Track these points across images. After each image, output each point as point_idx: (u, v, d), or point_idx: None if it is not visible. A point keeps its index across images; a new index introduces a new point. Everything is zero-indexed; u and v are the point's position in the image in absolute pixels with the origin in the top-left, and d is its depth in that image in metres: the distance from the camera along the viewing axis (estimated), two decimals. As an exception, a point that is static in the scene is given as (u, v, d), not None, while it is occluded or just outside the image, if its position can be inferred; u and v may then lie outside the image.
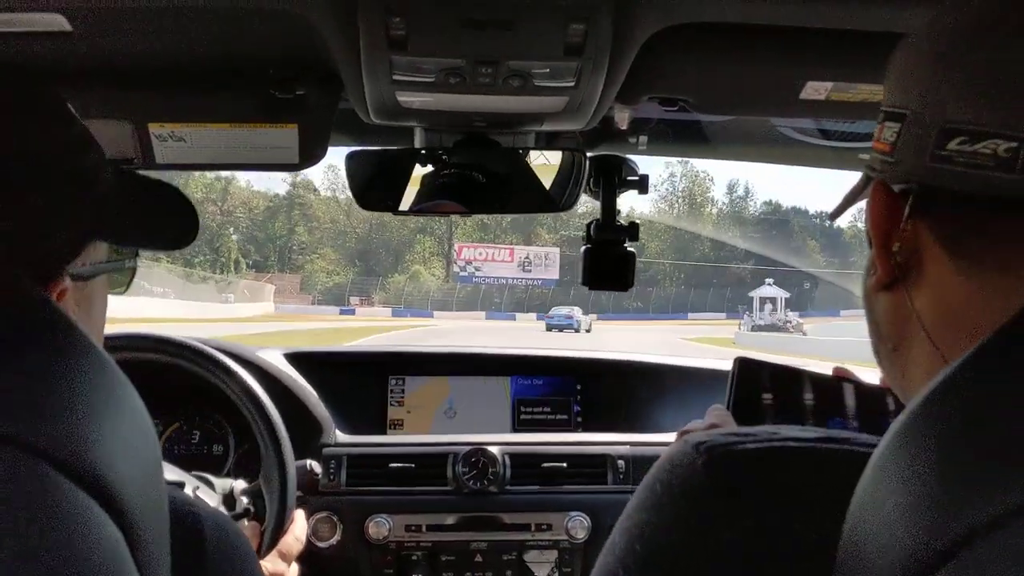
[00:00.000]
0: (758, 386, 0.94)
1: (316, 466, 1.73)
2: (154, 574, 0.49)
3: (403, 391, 2.15)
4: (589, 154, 1.42)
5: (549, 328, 35.50)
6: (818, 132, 1.40)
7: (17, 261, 0.54)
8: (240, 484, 1.65)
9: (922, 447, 0.43)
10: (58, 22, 0.95)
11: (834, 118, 1.26)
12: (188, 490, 1.40)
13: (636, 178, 1.48)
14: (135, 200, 0.74)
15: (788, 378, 0.94)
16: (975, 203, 0.50)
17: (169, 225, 0.79)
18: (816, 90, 1.10)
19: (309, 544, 1.70)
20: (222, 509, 1.48)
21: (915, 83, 0.54)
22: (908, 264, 0.57)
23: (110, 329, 0.89)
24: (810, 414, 0.92)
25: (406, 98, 1.09)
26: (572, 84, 1.03)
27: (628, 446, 1.90)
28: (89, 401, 0.46)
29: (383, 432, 2.09)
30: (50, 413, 0.43)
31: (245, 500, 1.59)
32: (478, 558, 1.76)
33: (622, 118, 1.41)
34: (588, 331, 35.50)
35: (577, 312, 38.97)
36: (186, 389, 1.70)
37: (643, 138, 1.52)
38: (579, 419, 2.18)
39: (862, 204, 0.65)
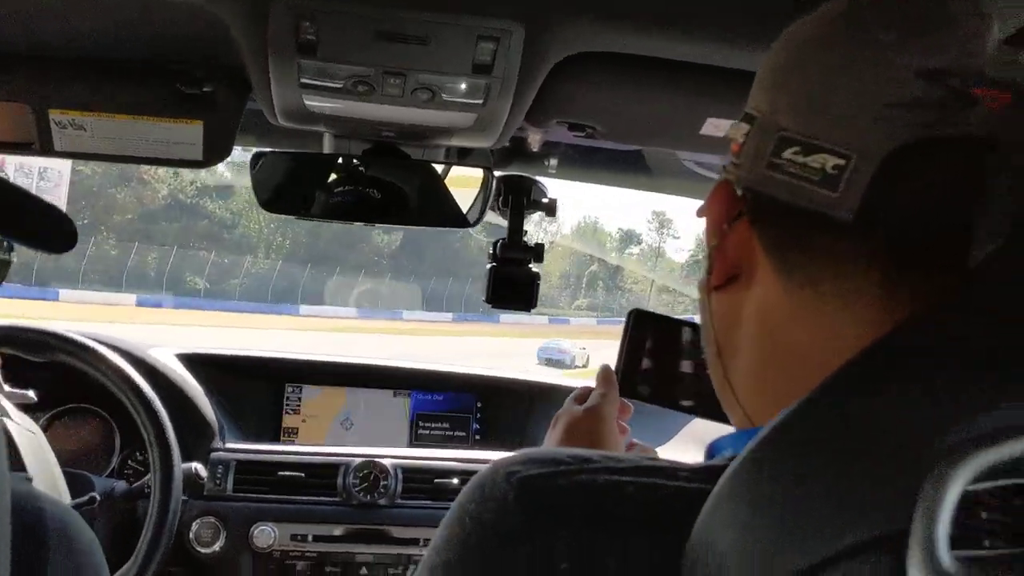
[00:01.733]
0: (642, 350, 0.92)
1: (202, 470, 1.69)
2: None
3: (300, 399, 2.12)
4: (499, 173, 1.44)
5: (539, 361, 30.48)
6: (722, 168, 1.44)
7: None
8: (121, 485, 1.60)
9: (756, 489, 0.42)
10: None
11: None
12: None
13: (545, 200, 1.50)
14: (14, 194, 0.73)
15: (670, 340, 0.92)
16: (798, 216, 0.50)
17: (44, 222, 0.78)
18: (716, 127, 1.14)
19: (191, 549, 1.66)
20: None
21: (763, 88, 0.55)
22: (740, 268, 0.57)
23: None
24: (686, 388, 0.90)
25: (313, 103, 1.09)
26: (480, 102, 1.04)
27: None
28: None
29: (276, 440, 2.05)
30: None
31: (125, 501, 1.55)
32: (363, 571, 1.74)
33: (535, 140, 1.44)
34: (584, 366, 30.16)
35: (566, 344, 33.70)
36: (75, 381, 1.64)
37: (553, 161, 1.55)
38: (477, 436, 2.19)
39: None
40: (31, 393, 1.51)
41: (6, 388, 1.52)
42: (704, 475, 0.47)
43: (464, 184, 1.41)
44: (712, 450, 0.57)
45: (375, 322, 37.84)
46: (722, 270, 0.57)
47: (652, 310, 0.94)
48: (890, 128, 0.47)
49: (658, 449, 1.90)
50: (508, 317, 42.99)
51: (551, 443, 0.92)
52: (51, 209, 0.80)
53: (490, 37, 0.91)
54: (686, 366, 0.91)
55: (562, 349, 31.93)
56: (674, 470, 0.49)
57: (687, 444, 1.92)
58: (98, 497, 1.48)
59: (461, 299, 47.67)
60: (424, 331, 35.09)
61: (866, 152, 0.47)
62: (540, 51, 0.95)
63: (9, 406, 1.43)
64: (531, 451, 0.52)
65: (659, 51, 0.98)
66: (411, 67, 0.97)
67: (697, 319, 0.80)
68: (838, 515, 0.38)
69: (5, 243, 0.77)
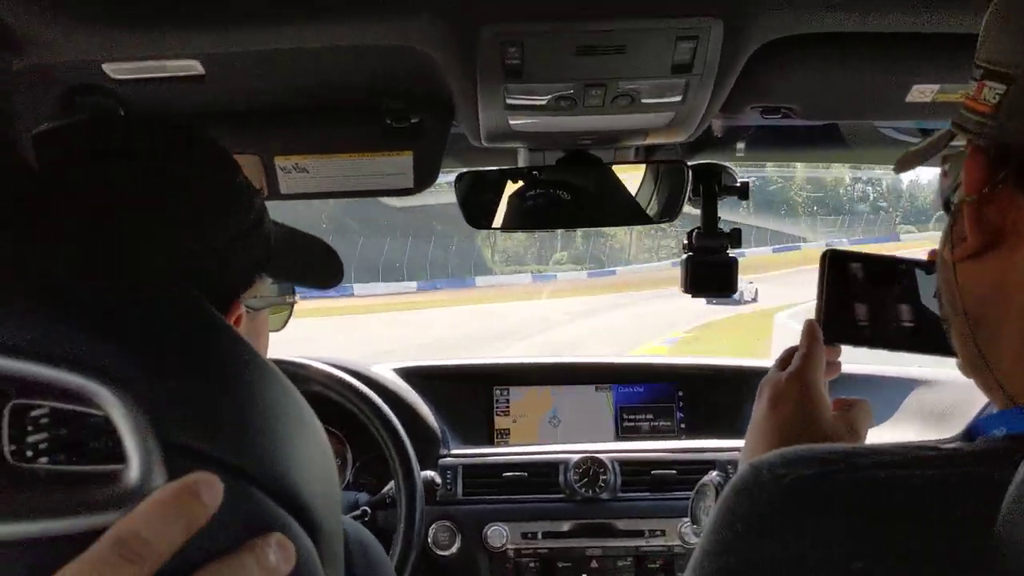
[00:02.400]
0: (849, 295, 0.86)
1: (436, 477, 1.79)
2: None
3: (508, 401, 2.20)
4: (689, 163, 1.45)
5: (709, 302, 30.05)
6: (918, 131, 1.39)
7: (203, 290, 0.62)
8: (363, 496, 1.72)
9: None
10: (193, 67, 1.03)
11: (941, 120, 1.26)
12: None
13: (736, 185, 1.49)
14: (291, 242, 0.82)
15: (874, 277, 0.86)
16: None
17: (319, 266, 0.88)
18: (922, 93, 1.10)
19: (431, 552, 1.77)
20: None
21: (1017, 42, 0.50)
22: (1002, 235, 0.53)
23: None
24: (902, 324, 0.85)
25: (517, 122, 1.14)
26: (679, 100, 1.06)
27: (736, 451, 1.91)
28: (283, 423, 0.49)
29: (490, 442, 2.14)
30: (253, 436, 0.46)
31: (368, 512, 1.67)
32: (594, 564, 1.79)
33: (719, 126, 1.44)
34: (754, 300, 29.60)
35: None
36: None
37: (740, 145, 1.54)
38: (682, 425, 2.19)
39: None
40: None
41: None
42: (984, 459, 0.45)
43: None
44: (976, 430, 0.54)
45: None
46: (979, 238, 0.54)
47: (845, 249, 0.89)
48: None
49: (879, 428, 1.85)
50: (484, 280, 40.00)
51: (758, 419, 0.86)
52: (321, 250, 0.89)
53: (689, 36, 0.92)
54: (897, 302, 0.86)
55: None
56: (951, 456, 0.48)
57: (910, 421, 1.85)
58: (368, 510, 1.61)
59: (425, 265, 43.79)
60: (384, 306, 30.35)
61: None
62: (739, 42, 0.95)
63: None
64: (788, 450, 0.52)
65: (858, 26, 0.96)
66: (611, 77, 0.99)
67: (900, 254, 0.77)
68: None
69: (289, 288, 0.87)
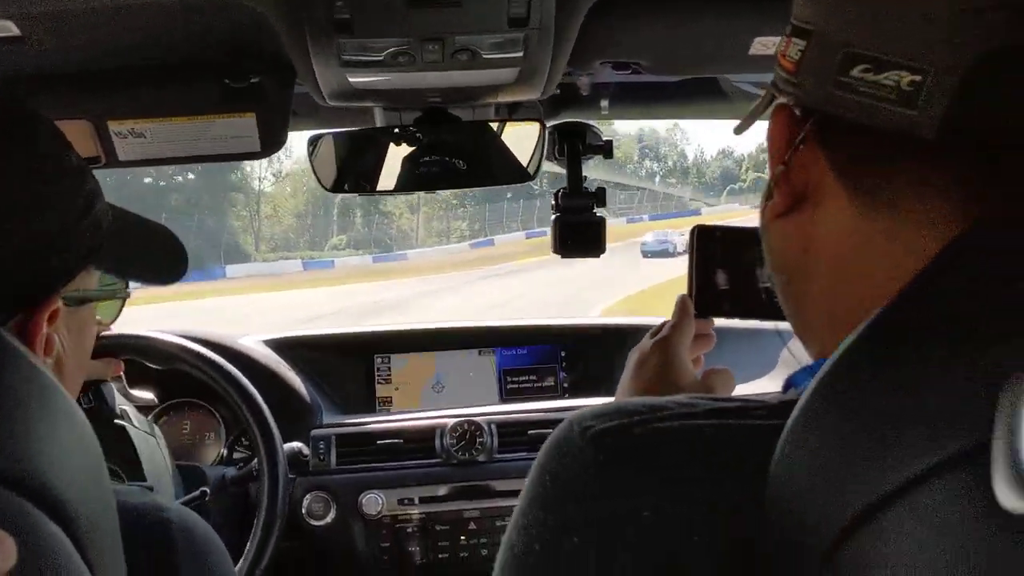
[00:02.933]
0: (717, 263, 0.88)
1: (304, 448, 1.76)
2: (107, 571, 0.50)
3: (389, 369, 2.17)
4: (551, 122, 1.44)
5: (644, 255, 29.61)
6: (773, 87, 1.40)
7: (10, 282, 0.56)
8: (231, 471, 1.68)
9: (824, 421, 0.41)
10: (8, 28, 0.95)
11: None
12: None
13: (600, 144, 1.49)
14: (128, 233, 0.76)
15: (742, 250, 0.87)
16: (873, 136, 0.47)
17: (159, 260, 0.82)
18: (764, 45, 1.12)
19: (305, 524, 1.74)
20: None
21: (816, 0, 0.51)
22: (805, 193, 0.54)
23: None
24: (767, 301, 0.85)
25: (358, 79, 1.10)
26: (520, 55, 1.04)
27: None
28: (26, 411, 0.46)
29: (373, 411, 2.11)
30: None
31: (237, 486, 1.63)
32: (472, 526, 1.79)
33: (583, 84, 1.43)
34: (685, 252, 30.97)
35: (672, 234, 31.21)
36: (176, 380, 1.72)
37: (605, 103, 1.53)
38: (565, 386, 2.21)
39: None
40: (151, 395, 1.59)
41: (133, 393, 1.61)
42: (780, 410, 0.46)
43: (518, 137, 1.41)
44: (789, 385, 0.56)
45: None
46: (786, 196, 0.55)
47: (713, 224, 0.90)
48: (973, 35, 0.43)
49: (756, 382, 1.89)
50: (239, 269, 36.07)
51: (623, 382, 0.89)
52: (164, 238, 0.82)
53: None
54: (760, 272, 0.87)
55: (662, 240, 30.64)
56: (749, 408, 0.48)
57: (779, 377, 1.90)
58: (208, 491, 1.56)
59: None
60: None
61: (945, 64, 0.44)
62: None
63: (132, 412, 1.52)
64: (602, 404, 0.52)
65: None
66: (447, 31, 0.97)
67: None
68: (912, 436, 0.37)
69: (122, 283, 0.81)
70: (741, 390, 0.89)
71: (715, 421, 0.47)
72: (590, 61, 1.18)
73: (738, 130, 0.74)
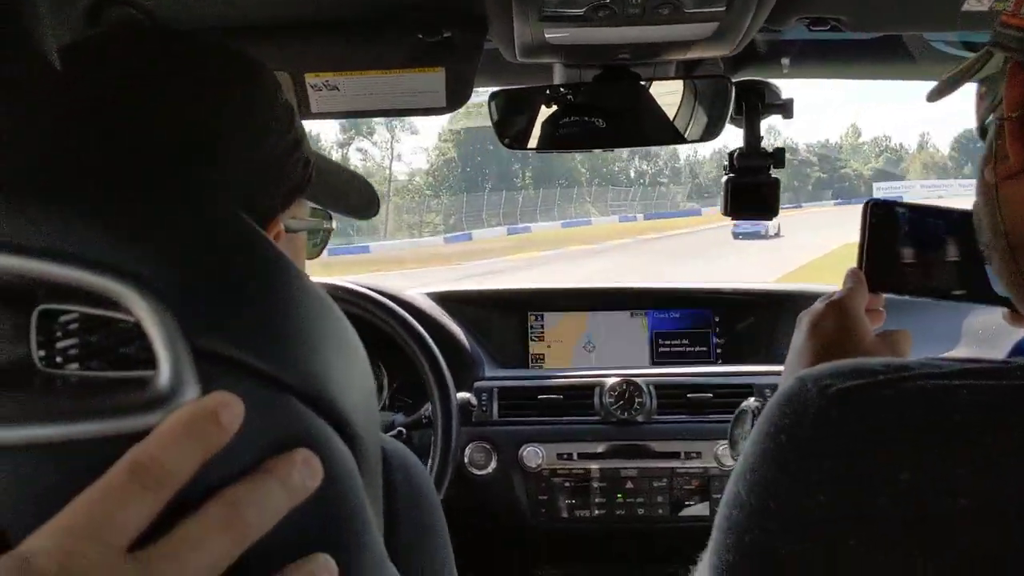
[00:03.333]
0: (894, 238, 0.86)
1: (472, 399, 1.81)
2: (374, 495, 0.52)
3: (543, 327, 2.20)
4: (733, 80, 1.40)
5: (736, 237, 31.08)
6: (961, 44, 1.33)
7: (246, 204, 0.60)
8: (400, 417, 1.74)
9: None
10: None
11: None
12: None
13: (780, 103, 1.45)
14: (330, 172, 0.81)
15: (930, 225, 0.85)
16: None
17: (357, 197, 0.87)
18: (979, 1, 1.05)
19: (467, 472, 1.79)
20: None
21: None
22: None
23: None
24: (953, 268, 0.84)
25: (554, 34, 1.10)
26: (723, 9, 1.02)
27: (772, 376, 1.90)
28: (322, 335, 0.48)
29: (525, 366, 2.15)
30: (290, 346, 0.45)
31: (404, 432, 1.69)
32: (629, 484, 1.80)
33: (762, 41, 1.38)
34: (777, 235, 31.26)
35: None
36: None
37: (785, 60, 1.48)
38: (718, 351, 2.18)
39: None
40: None
41: None
42: None
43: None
44: (1020, 350, 0.54)
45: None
46: (1022, 156, 0.53)
47: (887, 198, 0.88)
48: None
49: (941, 354, 1.81)
50: None
51: (796, 345, 0.86)
52: (360, 183, 0.89)
53: None
54: (941, 250, 0.85)
55: (755, 223, 30.74)
56: (1002, 369, 0.47)
57: (966, 347, 1.81)
58: (404, 430, 1.63)
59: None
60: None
61: None
62: None
63: None
64: (836, 363, 0.51)
65: None
66: None
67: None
68: None
69: (326, 214, 0.87)
70: None
71: (969, 381, 0.46)
72: (788, 17, 1.14)
73: (932, 97, 0.71)
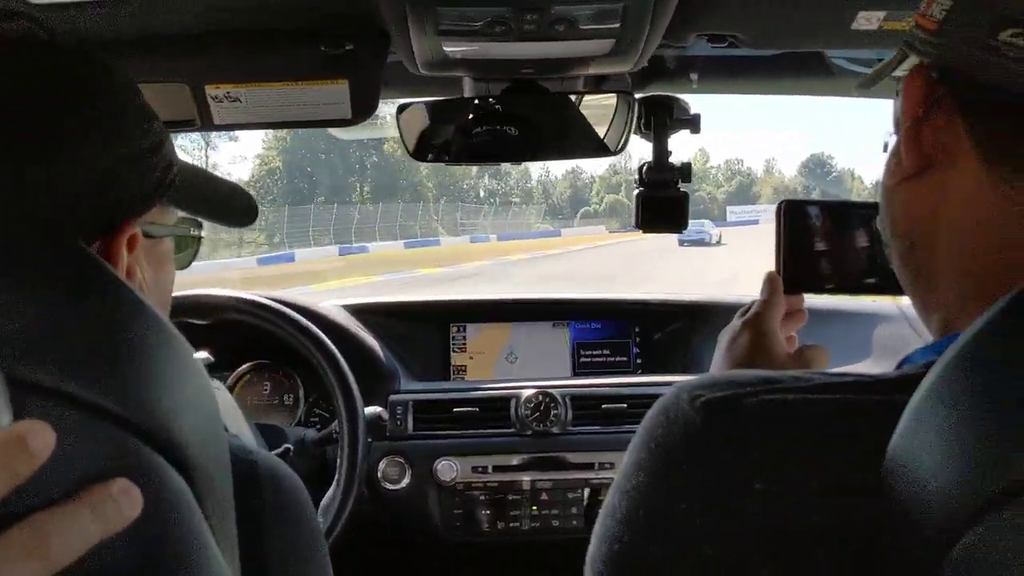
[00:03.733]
0: (808, 236, 0.87)
1: (383, 413, 1.79)
2: (221, 522, 0.51)
3: (464, 338, 2.20)
4: (638, 95, 1.42)
5: (681, 244, 31.03)
6: (874, 61, 1.36)
7: (86, 204, 0.59)
8: (311, 432, 1.72)
9: (960, 399, 0.40)
10: None
11: (886, 48, 1.23)
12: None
13: (687, 118, 1.47)
14: (199, 177, 0.80)
15: (831, 223, 0.86)
16: (1020, 104, 0.46)
17: (229, 203, 0.86)
18: (868, 20, 1.08)
19: (380, 488, 1.77)
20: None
21: None
22: (935, 156, 0.52)
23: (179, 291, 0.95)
24: (860, 268, 0.86)
25: (453, 48, 1.10)
26: (618, 26, 1.03)
27: None
28: (153, 359, 0.47)
29: (447, 379, 2.14)
30: (116, 373, 0.44)
31: (316, 448, 1.67)
32: (544, 496, 1.80)
33: (671, 56, 1.40)
34: (719, 243, 32.06)
35: (708, 225, 34.23)
36: (255, 341, 1.76)
37: (694, 76, 1.50)
38: (638, 361, 2.20)
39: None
40: (207, 354, 1.63)
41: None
42: (898, 386, 0.45)
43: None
44: (908, 360, 0.54)
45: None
46: (915, 159, 0.54)
47: (800, 198, 0.90)
48: None
49: (855, 367, 1.86)
50: None
51: (715, 363, 0.89)
52: (235, 190, 0.87)
53: None
54: (853, 246, 0.87)
55: (700, 230, 32.08)
56: (865, 384, 0.48)
57: (881, 361, 1.85)
58: (292, 448, 1.61)
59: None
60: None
61: None
62: None
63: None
64: (712, 375, 0.52)
65: None
66: (546, 1, 0.96)
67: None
68: None
69: (195, 222, 0.85)
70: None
71: (831, 396, 0.47)
72: (686, 34, 1.16)
73: (864, 85, 0.72)
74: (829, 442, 0.45)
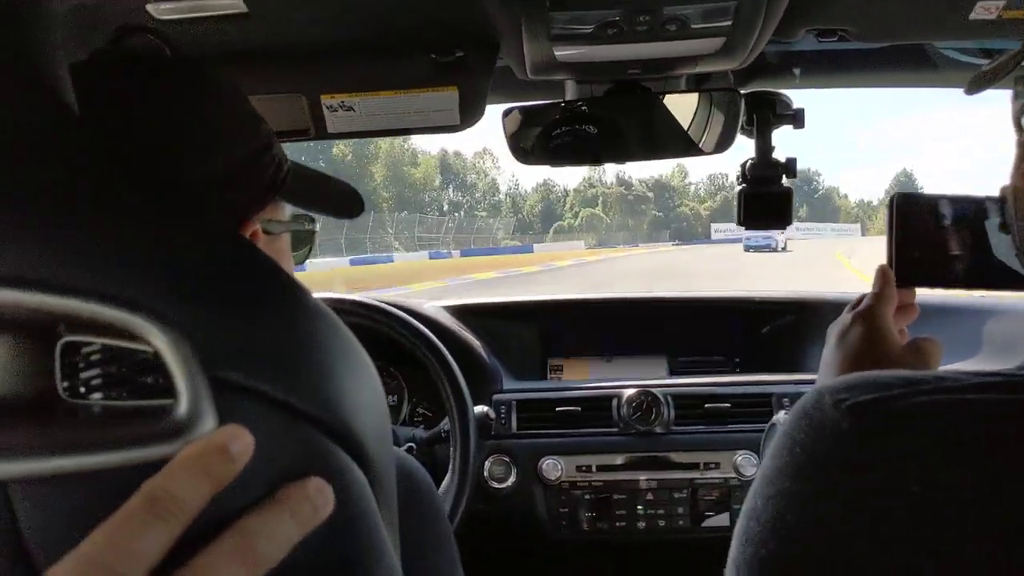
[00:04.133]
0: (921, 229, 0.85)
1: (490, 412, 1.81)
2: (389, 515, 0.53)
3: (561, 339, 2.21)
4: (742, 92, 1.41)
5: (747, 249, 32.46)
6: (979, 52, 1.32)
7: (215, 206, 0.63)
8: (419, 432, 1.76)
9: None
10: (236, 5, 1.02)
11: (1008, 39, 1.20)
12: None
13: (790, 113, 1.45)
14: (308, 174, 0.84)
15: (955, 213, 0.84)
16: None
17: (338, 195, 0.90)
18: (987, 9, 1.05)
19: (487, 486, 1.80)
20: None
21: None
22: None
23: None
24: (979, 255, 0.83)
25: (563, 52, 1.12)
26: (729, 23, 1.03)
27: (791, 384, 1.89)
28: (332, 357, 0.49)
29: (544, 378, 2.16)
30: (301, 370, 0.46)
31: (415, 447, 1.71)
32: (649, 496, 1.80)
33: (773, 52, 1.39)
34: (784, 249, 32.68)
35: (775, 232, 34.22)
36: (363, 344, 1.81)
37: (797, 71, 1.48)
38: (737, 360, 2.18)
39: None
40: None
41: None
42: None
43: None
44: None
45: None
46: None
47: (914, 191, 0.88)
48: None
49: (964, 363, 1.80)
50: None
51: (826, 358, 0.87)
52: (341, 184, 0.91)
53: None
54: (968, 240, 0.84)
55: (768, 235, 31.86)
56: (1015, 383, 0.47)
57: (992, 357, 1.79)
58: (414, 445, 1.65)
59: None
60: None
61: None
62: None
63: None
64: (851, 377, 0.51)
65: None
66: (658, 2, 0.97)
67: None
68: None
69: (308, 217, 0.89)
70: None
71: (984, 396, 0.46)
72: (796, 29, 1.14)
73: (970, 89, 0.71)
74: (986, 443, 0.45)
